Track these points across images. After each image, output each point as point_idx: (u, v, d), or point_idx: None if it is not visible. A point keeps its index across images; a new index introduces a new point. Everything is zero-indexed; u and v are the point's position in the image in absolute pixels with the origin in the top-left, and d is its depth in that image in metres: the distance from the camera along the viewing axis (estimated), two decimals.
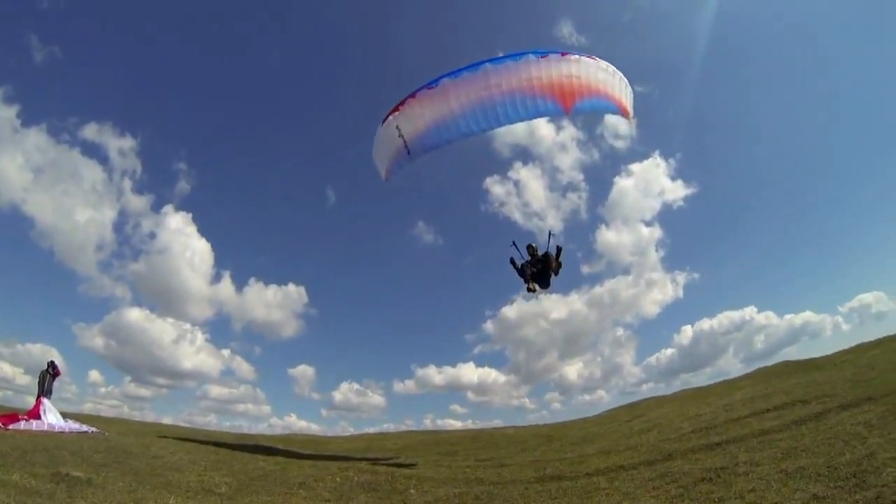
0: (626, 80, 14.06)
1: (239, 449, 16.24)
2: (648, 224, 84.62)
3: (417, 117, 13.81)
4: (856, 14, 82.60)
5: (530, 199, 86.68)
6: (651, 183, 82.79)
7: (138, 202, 75.94)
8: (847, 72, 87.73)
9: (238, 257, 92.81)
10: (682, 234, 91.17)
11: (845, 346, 27.42)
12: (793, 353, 62.73)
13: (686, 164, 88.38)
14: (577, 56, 13.01)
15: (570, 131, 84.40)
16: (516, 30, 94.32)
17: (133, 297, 72.16)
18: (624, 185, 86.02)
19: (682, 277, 79.78)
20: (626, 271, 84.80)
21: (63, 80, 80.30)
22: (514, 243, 15.20)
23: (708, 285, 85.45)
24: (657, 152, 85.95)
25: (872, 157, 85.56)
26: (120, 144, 74.55)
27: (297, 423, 65.71)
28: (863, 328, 66.72)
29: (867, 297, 68.28)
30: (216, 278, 77.27)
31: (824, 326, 68.56)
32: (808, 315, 68.89)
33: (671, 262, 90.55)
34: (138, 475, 9.12)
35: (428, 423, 62.39)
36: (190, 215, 74.48)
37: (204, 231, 75.72)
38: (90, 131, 72.50)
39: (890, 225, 76.17)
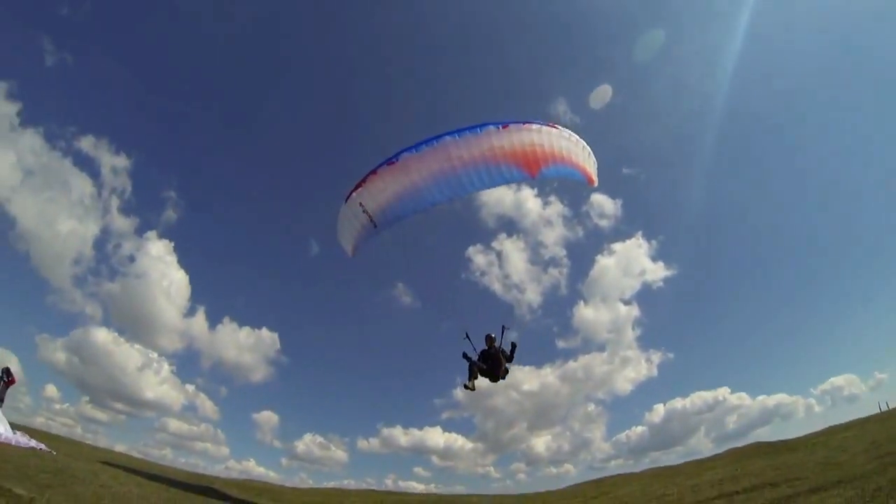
0: (588, 148, 13.94)
1: (192, 489, 15.39)
2: (627, 303, 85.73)
3: (380, 192, 13.58)
4: (832, 101, 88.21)
5: (511, 271, 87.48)
6: (632, 262, 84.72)
7: (123, 223, 75.29)
8: (825, 159, 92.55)
9: (215, 294, 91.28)
10: (659, 313, 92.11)
11: (817, 428, 27.72)
12: (765, 434, 62.13)
13: (667, 246, 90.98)
14: (538, 126, 12.85)
15: (556, 207, 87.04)
16: (513, 107, 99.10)
17: (103, 317, 70.23)
18: (605, 263, 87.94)
19: (656, 356, 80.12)
20: (601, 348, 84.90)
21: (69, 88, 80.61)
22: (467, 335, 14.29)
23: (682, 365, 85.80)
24: (640, 233, 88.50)
25: (846, 245, 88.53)
26: (114, 162, 74.72)
27: (255, 469, 62.73)
28: (835, 410, 66.95)
29: (839, 380, 69.36)
30: (190, 311, 75.73)
31: (797, 408, 68.94)
32: (780, 397, 69.37)
33: (647, 341, 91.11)
34: (83, 503, 8.65)
35: (389, 484, 59.72)
36: (172, 244, 73.81)
37: (184, 262, 74.91)
38: (86, 143, 72.62)
39: (862, 310, 77.84)
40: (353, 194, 14.02)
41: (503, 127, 12.52)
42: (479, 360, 14.15)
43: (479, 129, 12.47)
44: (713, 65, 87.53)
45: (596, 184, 14.57)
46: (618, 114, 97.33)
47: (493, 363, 14.01)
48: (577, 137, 13.52)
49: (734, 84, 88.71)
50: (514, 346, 14.29)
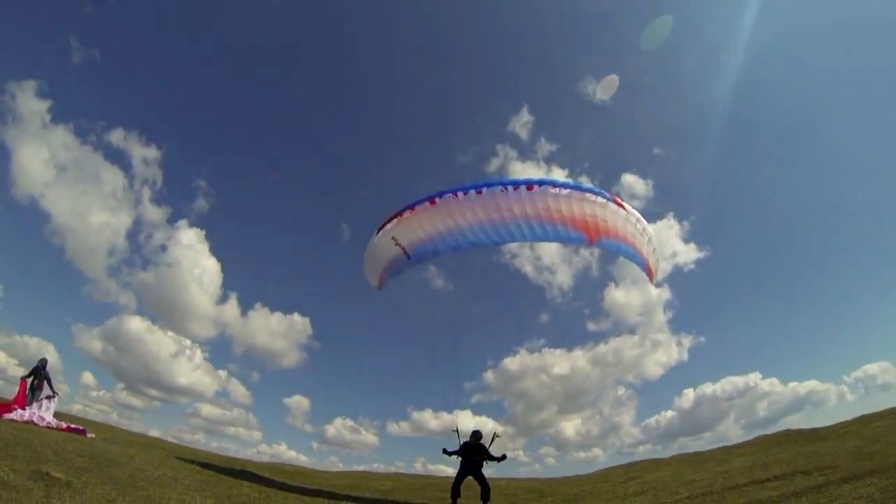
0: (655, 242, 13.12)
1: (225, 472, 15.78)
2: (658, 285, 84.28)
3: (417, 228, 13.34)
4: (868, 83, 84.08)
5: (542, 253, 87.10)
6: (663, 244, 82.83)
7: (155, 213, 77.36)
8: (861, 142, 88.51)
9: (247, 280, 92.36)
10: (690, 296, 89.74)
11: (849, 416, 26.66)
12: (796, 422, 60.82)
13: (699, 228, 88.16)
14: (603, 200, 12.09)
15: None
16: (539, 85, 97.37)
17: (137, 306, 72.57)
18: None
19: (687, 340, 78.50)
20: (631, 331, 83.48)
21: (97, 83, 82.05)
22: (455, 430, 13.92)
23: (713, 349, 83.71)
24: (671, 214, 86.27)
25: (883, 228, 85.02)
26: (144, 153, 76.53)
27: (286, 453, 64.24)
28: (868, 398, 64.84)
29: (873, 368, 66.87)
30: (222, 298, 77.40)
31: (829, 396, 66.98)
32: (812, 383, 67.31)
33: (678, 325, 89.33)
34: (119, 485, 8.89)
35: (419, 467, 60.43)
36: (204, 232, 75.52)
37: (216, 250, 76.41)
38: (116, 137, 74.58)
39: None
40: (388, 226, 13.82)
41: (563, 189, 11.95)
42: (460, 449, 13.71)
43: (536, 186, 11.92)
44: (735, 37, 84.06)
45: (654, 281, 13.87)
46: (648, 91, 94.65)
47: (472, 460, 13.52)
48: (644, 225, 12.79)
49: (759, 56, 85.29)
50: (504, 457, 13.69)
